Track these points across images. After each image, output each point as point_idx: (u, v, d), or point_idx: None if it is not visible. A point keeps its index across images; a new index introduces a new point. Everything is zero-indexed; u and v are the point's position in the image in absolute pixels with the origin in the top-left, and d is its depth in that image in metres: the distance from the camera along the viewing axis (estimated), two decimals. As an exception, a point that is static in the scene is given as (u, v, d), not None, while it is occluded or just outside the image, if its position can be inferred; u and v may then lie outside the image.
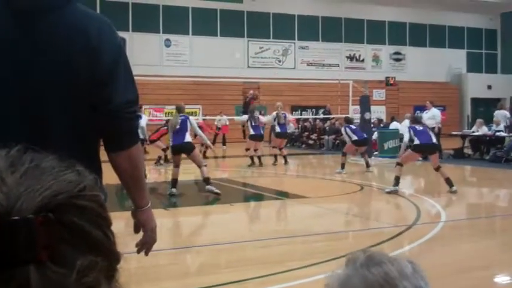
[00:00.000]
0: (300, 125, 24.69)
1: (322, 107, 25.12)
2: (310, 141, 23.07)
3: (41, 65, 1.78)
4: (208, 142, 12.75)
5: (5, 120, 1.79)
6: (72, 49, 1.79)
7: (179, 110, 10.73)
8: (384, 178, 13.54)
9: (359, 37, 30.57)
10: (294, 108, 27.35)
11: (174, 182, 10.01)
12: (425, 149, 10.45)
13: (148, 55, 25.24)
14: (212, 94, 25.31)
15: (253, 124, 14.99)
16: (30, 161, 0.59)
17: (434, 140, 10.53)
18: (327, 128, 22.52)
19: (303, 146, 23.13)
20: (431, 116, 16.85)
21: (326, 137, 22.16)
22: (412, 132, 10.36)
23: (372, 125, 18.79)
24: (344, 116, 19.83)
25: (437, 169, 10.26)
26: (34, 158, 0.60)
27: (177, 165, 10.14)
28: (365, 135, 14.30)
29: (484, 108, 26.97)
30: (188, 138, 10.16)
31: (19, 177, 0.56)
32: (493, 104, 28.34)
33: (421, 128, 10.49)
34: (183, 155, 10.15)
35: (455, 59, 32.28)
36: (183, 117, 10.45)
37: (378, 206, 9.79)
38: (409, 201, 9.52)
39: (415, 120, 11.73)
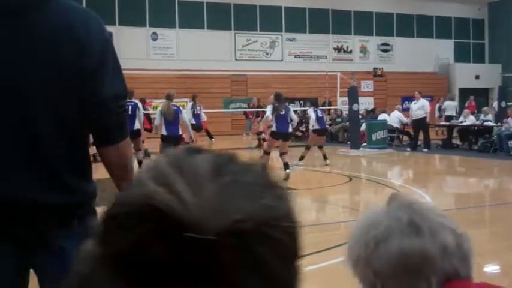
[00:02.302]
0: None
1: (310, 99, 25.12)
2: (298, 133, 23.09)
3: (27, 63, 1.76)
4: (192, 134, 12.71)
5: None
6: (59, 45, 1.78)
7: (169, 97, 10.59)
8: (373, 169, 13.61)
9: (346, 28, 30.58)
10: (259, 100, 27.36)
11: None
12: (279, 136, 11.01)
13: (135, 49, 25.11)
14: (200, 87, 25.25)
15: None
16: (233, 173, 0.54)
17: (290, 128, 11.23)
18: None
19: (292, 137, 23.11)
20: (420, 107, 16.94)
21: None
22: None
23: (360, 116, 18.85)
24: (335, 108, 19.90)
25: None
26: (238, 170, 0.55)
27: None
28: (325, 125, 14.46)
29: (473, 98, 27.04)
30: (180, 130, 10.23)
31: (217, 190, 0.51)
32: (481, 93, 28.54)
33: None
34: None
35: (442, 49, 32.40)
36: (175, 108, 10.42)
37: (367, 197, 9.83)
38: (398, 191, 9.57)
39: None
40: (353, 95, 17.60)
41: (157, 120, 10.57)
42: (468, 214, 7.99)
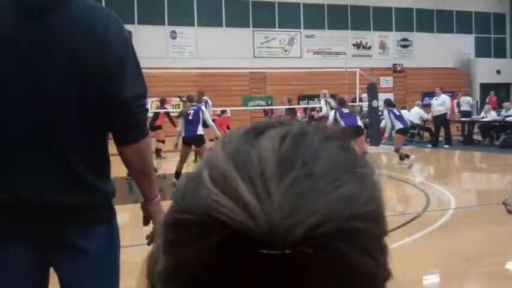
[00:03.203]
0: (307, 114, 24.64)
1: (330, 96, 24.99)
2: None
3: (49, 62, 1.78)
4: (218, 134, 12.52)
5: (14, 120, 1.80)
6: (79, 45, 1.79)
7: (190, 99, 10.35)
8: (393, 166, 13.52)
9: (365, 24, 30.36)
10: (300, 98, 27.29)
11: (178, 175, 9.77)
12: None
13: (154, 48, 25.21)
14: (219, 85, 25.29)
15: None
16: (302, 164, 0.47)
17: (359, 122, 11.12)
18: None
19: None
20: (441, 103, 16.80)
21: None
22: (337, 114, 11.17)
23: (380, 113, 18.73)
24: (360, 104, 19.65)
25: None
26: (310, 154, 0.48)
27: (183, 161, 9.84)
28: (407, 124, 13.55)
29: (494, 93, 26.74)
30: (201, 130, 9.86)
31: (286, 190, 0.45)
32: (502, 89, 28.17)
33: (347, 110, 11.21)
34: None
35: (463, 44, 32.01)
36: (195, 107, 10.08)
37: (387, 194, 9.75)
38: (419, 188, 9.49)
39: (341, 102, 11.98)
40: (372, 91, 17.50)
41: (180, 125, 10.24)
42: (489, 211, 7.90)
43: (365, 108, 20.40)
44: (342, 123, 10.72)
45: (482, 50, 32.69)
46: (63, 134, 1.81)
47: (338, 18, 29.56)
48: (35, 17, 1.78)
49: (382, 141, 17.37)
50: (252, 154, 0.47)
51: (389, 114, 12.82)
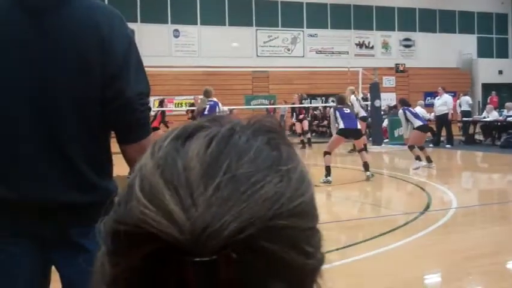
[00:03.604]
0: (310, 114, 24.66)
1: (333, 95, 24.99)
2: (321, 129, 23.09)
3: (53, 62, 1.78)
4: None
5: (16, 120, 1.81)
6: (83, 43, 1.79)
7: (207, 93, 9.87)
8: (395, 165, 13.52)
9: (368, 24, 30.36)
10: (303, 97, 27.27)
11: None
12: (349, 134, 10.43)
13: (158, 46, 25.23)
14: (222, 84, 25.32)
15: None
16: (226, 168, 0.49)
17: (358, 124, 10.62)
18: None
19: (313, 134, 23.13)
20: (443, 103, 16.80)
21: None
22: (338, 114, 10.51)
23: (382, 112, 18.74)
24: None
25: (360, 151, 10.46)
26: (232, 159, 0.50)
27: None
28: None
29: (495, 93, 26.71)
30: None
31: (210, 197, 0.47)
32: (504, 89, 28.13)
33: (348, 111, 10.60)
34: None
35: (465, 44, 31.98)
36: (211, 103, 9.64)
37: (388, 193, 9.79)
38: (420, 188, 9.50)
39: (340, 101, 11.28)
40: (375, 91, 17.50)
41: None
42: (491, 211, 7.91)
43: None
44: (342, 124, 10.29)
45: (484, 50, 32.65)
46: (66, 133, 1.82)
47: (341, 18, 29.55)
48: (38, 16, 1.78)
49: (385, 141, 17.37)
50: (178, 162, 0.49)
51: (404, 113, 12.08)
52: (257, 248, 0.47)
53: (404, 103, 12.81)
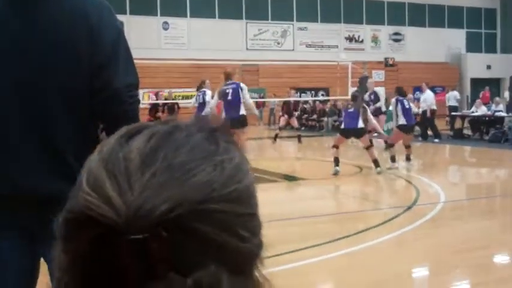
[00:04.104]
0: (299, 107, 24.68)
1: (322, 89, 25.08)
2: (311, 123, 23.11)
3: (42, 51, 1.77)
4: (256, 111, 11.05)
5: (3, 112, 1.78)
6: (72, 33, 1.78)
7: (227, 75, 9.19)
8: (384, 159, 13.57)
9: (358, 18, 30.38)
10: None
11: None
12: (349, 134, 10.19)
13: (147, 38, 25.10)
14: (211, 77, 25.20)
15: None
16: (163, 158, 0.54)
17: (360, 124, 9.95)
18: (327, 109, 22.50)
19: (303, 128, 23.15)
20: (424, 99, 16.92)
21: (326, 118, 22.16)
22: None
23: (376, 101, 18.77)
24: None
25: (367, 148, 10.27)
26: (169, 150, 0.55)
27: None
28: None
29: (484, 88, 26.87)
30: (243, 110, 8.79)
31: (146, 182, 0.52)
32: (493, 84, 28.29)
33: (352, 109, 10.02)
34: None
35: (454, 39, 32.12)
36: (234, 86, 8.93)
37: (377, 188, 9.82)
38: (409, 182, 9.55)
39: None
40: (364, 85, 17.52)
41: (213, 101, 9.23)
42: (479, 205, 7.97)
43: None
44: (342, 124, 10.04)
45: (473, 44, 32.81)
46: (54, 124, 1.80)
47: (331, 12, 29.55)
48: (27, 6, 1.77)
49: (374, 135, 17.41)
50: (120, 155, 0.55)
51: (396, 104, 11.06)
52: (188, 228, 0.52)
53: (400, 92, 11.53)
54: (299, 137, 16.67)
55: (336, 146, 10.10)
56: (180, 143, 0.56)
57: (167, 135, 0.57)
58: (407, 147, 11.09)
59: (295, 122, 17.20)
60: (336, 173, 9.87)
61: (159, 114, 17.31)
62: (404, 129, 10.93)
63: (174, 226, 0.51)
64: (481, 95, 23.91)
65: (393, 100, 11.39)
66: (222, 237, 0.53)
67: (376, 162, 10.03)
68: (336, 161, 10.02)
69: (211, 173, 0.54)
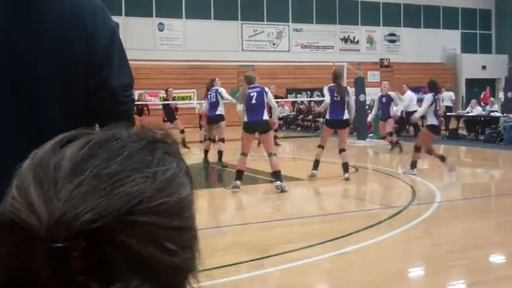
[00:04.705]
0: (295, 108, 24.74)
1: (318, 90, 25.06)
2: (306, 124, 23.15)
3: (37, 52, 1.76)
4: (276, 117, 10.45)
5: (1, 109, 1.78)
6: (67, 34, 1.78)
7: (249, 80, 8.89)
8: (379, 160, 13.59)
9: (353, 19, 30.43)
10: (289, 91, 27.34)
11: (240, 174, 8.68)
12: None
13: (142, 39, 25.08)
14: (207, 78, 25.15)
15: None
16: (93, 167, 0.53)
17: (345, 115, 9.62)
18: (323, 110, 22.53)
19: (298, 128, 23.21)
20: (403, 100, 17.13)
21: (321, 119, 22.17)
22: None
23: (367, 107, 18.81)
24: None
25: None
26: (101, 159, 0.54)
27: (245, 154, 8.82)
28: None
29: (479, 88, 26.94)
30: (266, 115, 8.61)
31: (71, 191, 0.52)
32: (488, 84, 28.37)
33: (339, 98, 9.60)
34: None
35: (449, 39, 32.21)
36: (258, 89, 8.67)
37: (373, 188, 9.84)
38: (404, 182, 9.56)
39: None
40: (360, 85, 17.55)
41: (239, 106, 8.92)
42: (474, 205, 7.99)
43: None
44: (328, 114, 9.79)
45: (468, 45, 32.91)
46: (50, 126, 1.79)
47: (326, 13, 29.58)
48: (22, 7, 1.77)
49: (370, 135, 17.44)
50: (50, 162, 0.55)
51: (432, 102, 9.93)
52: (112, 239, 0.51)
53: (433, 87, 10.33)
54: (274, 138, 16.44)
55: (321, 146, 9.87)
56: (114, 153, 0.55)
57: (102, 144, 0.56)
58: (430, 151, 10.30)
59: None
60: (312, 176, 9.66)
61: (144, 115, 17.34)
62: (435, 130, 10.19)
63: (96, 236, 0.50)
64: (482, 95, 23.97)
65: (429, 96, 10.06)
66: (147, 250, 0.52)
67: (345, 166, 9.66)
68: (316, 164, 9.77)
69: (140, 184, 0.53)
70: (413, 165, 10.21)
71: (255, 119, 8.56)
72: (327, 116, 9.90)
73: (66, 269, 0.50)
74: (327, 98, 9.83)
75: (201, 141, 16.89)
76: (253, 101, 8.61)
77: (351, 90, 9.86)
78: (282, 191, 8.48)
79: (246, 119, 8.71)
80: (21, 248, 0.51)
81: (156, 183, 0.55)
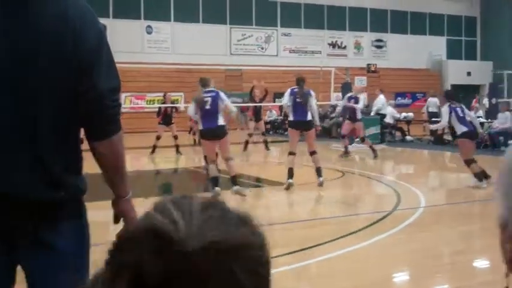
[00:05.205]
0: (282, 112, 24.72)
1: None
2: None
3: (28, 56, 1.75)
4: (240, 119, 9.82)
5: None
6: (57, 36, 1.77)
7: (204, 83, 8.49)
8: (365, 164, 13.65)
9: (341, 24, 30.58)
10: (277, 96, 27.32)
11: (216, 181, 8.46)
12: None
13: (130, 42, 25.00)
14: (194, 81, 25.05)
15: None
16: (219, 210, 0.74)
17: (308, 116, 9.42)
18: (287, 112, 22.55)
19: (286, 133, 23.20)
20: (374, 104, 17.34)
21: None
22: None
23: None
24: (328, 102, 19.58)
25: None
26: (225, 208, 0.75)
27: (213, 160, 8.55)
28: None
29: (464, 94, 27.14)
30: (221, 121, 8.28)
31: (204, 219, 0.71)
32: (473, 90, 28.60)
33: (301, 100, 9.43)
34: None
35: (435, 46, 32.48)
36: (213, 94, 8.30)
37: (358, 192, 9.87)
38: (390, 187, 9.61)
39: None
40: (347, 90, 17.61)
41: (191, 111, 8.44)
42: (459, 209, 8.04)
43: (339, 108, 20.53)
44: (291, 116, 9.54)
45: (453, 52, 33.20)
46: (40, 128, 1.79)
47: (314, 18, 29.70)
48: (14, 8, 1.76)
49: (357, 140, 17.51)
50: (187, 200, 0.75)
51: (450, 113, 9.48)
52: (223, 262, 0.69)
53: (450, 97, 9.87)
54: (265, 143, 16.44)
55: (292, 153, 9.37)
56: (231, 209, 0.77)
57: (221, 204, 0.77)
58: (471, 162, 9.59)
59: (262, 126, 16.92)
60: (290, 186, 9.14)
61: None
62: (470, 135, 9.55)
63: (216, 254, 0.68)
64: (473, 102, 24.13)
65: (445, 108, 9.68)
66: (247, 280, 0.70)
67: (318, 171, 9.41)
68: (290, 173, 9.19)
69: (250, 234, 0.74)
70: (478, 176, 9.45)
71: (209, 125, 8.25)
72: (291, 118, 9.66)
73: (190, 271, 0.67)
74: (286, 100, 9.68)
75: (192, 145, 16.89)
76: (208, 107, 8.26)
77: (313, 93, 9.75)
78: (241, 195, 8.32)
79: (201, 127, 8.45)
80: (157, 251, 0.68)
81: (260, 239, 0.76)
